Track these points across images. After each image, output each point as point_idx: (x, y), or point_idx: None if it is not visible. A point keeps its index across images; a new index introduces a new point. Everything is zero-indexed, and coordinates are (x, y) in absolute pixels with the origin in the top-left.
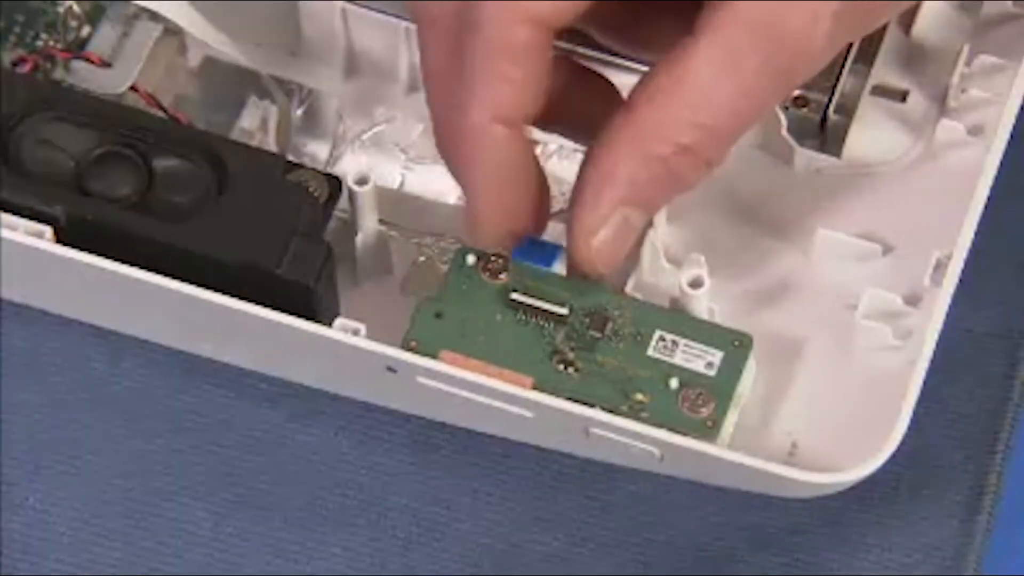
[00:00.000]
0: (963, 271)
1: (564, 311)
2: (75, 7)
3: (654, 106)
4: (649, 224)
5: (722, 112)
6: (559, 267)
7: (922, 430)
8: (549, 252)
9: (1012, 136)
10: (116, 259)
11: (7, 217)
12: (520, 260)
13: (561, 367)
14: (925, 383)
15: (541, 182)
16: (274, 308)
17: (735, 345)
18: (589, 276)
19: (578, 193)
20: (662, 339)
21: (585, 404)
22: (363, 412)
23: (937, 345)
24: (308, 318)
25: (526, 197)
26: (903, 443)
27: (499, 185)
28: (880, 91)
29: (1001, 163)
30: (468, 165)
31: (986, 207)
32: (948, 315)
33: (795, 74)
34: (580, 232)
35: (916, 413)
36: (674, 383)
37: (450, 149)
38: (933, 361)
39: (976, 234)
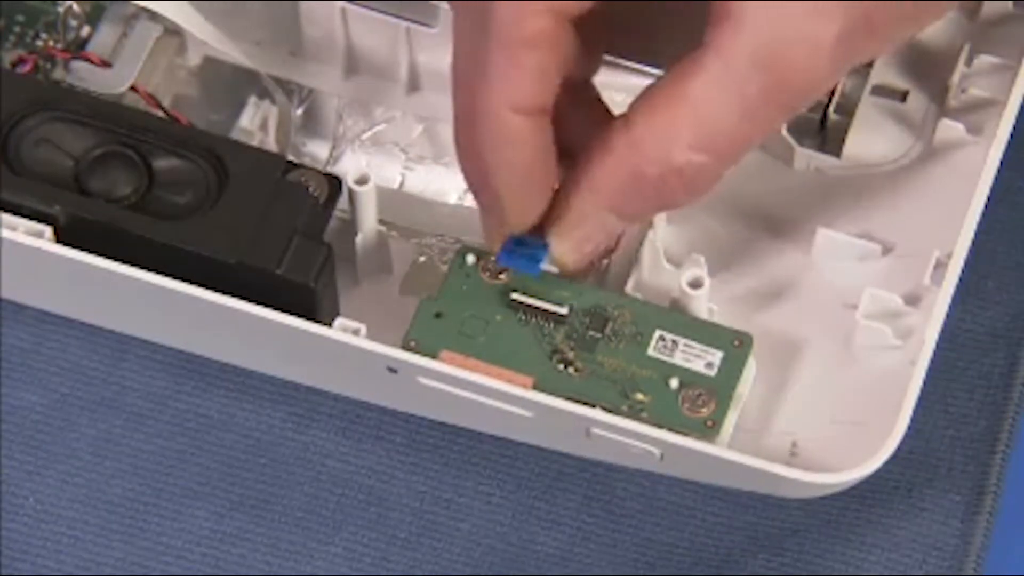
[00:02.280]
0: (963, 271)
1: (564, 311)
2: (75, 7)
3: (652, 124)
4: (649, 224)
5: (720, 136)
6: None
7: (922, 430)
8: (535, 250)
9: (1012, 136)
10: (116, 259)
11: (7, 217)
12: (508, 262)
13: (561, 367)
14: (925, 383)
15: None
16: (274, 308)
17: (735, 345)
18: (563, 274)
19: (563, 196)
20: (662, 339)
21: (585, 404)
22: (363, 412)
23: (937, 345)
24: (308, 318)
25: (543, 191)
26: (903, 443)
27: (513, 173)
28: (880, 91)
29: (1001, 163)
30: (481, 151)
31: (986, 207)
32: (948, 315)
33: (797, 100)
34: (558, 234)
35: (916, 413)
36: (674, 383)
37: (466, 137)
38: (933, 361)
39: (976, 234)
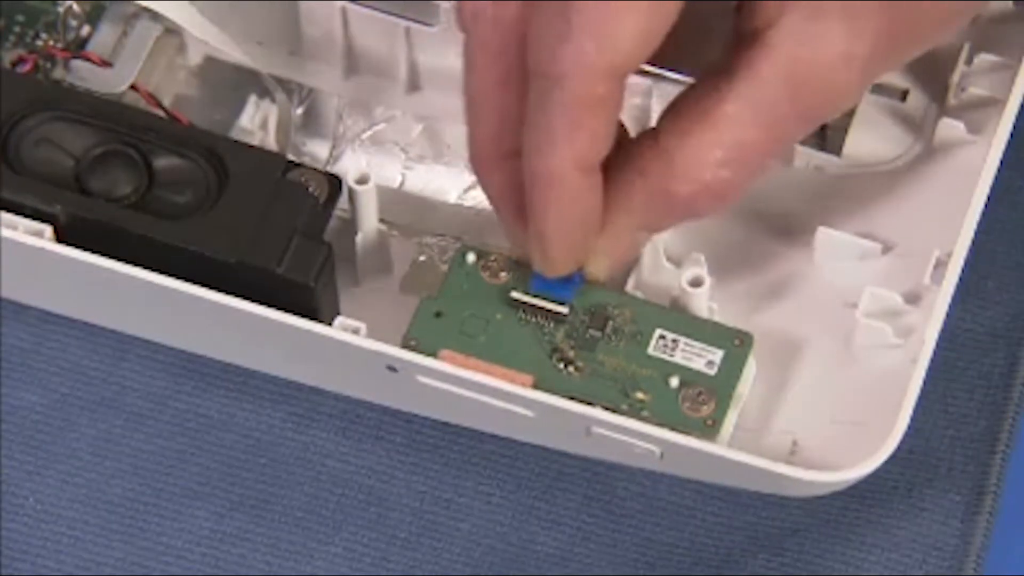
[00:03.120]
0: (963, 271)
1: (564, 310)
2: (75, 6)
3: (683, 146)
4: None
5: (749, 154)
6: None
7: (922, 430)
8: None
9: (1012, 135)
10: (116, 258)
11: (7, 216)
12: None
13: (561, 366)
14: (925, 383)
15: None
16: (274, 307)
17: (735, 344)
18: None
19: None
20: (662, 338)
21: (585, 403)
22: (363, 412)
23: (937, 345)
24: (308, 317)
25: (591, 234)
26: (903, 443)
27: (573, 226)
28: (880, 90)
29: (1001, 162)
30: (544, 207)
31: (986, 206)
32: (948, 315)
33: (824, 116)
34: (595, 254)
35: (916, 413)
36: (674, 382)
37: (531, 196)
38: (933, 361)
39: (976, 234)
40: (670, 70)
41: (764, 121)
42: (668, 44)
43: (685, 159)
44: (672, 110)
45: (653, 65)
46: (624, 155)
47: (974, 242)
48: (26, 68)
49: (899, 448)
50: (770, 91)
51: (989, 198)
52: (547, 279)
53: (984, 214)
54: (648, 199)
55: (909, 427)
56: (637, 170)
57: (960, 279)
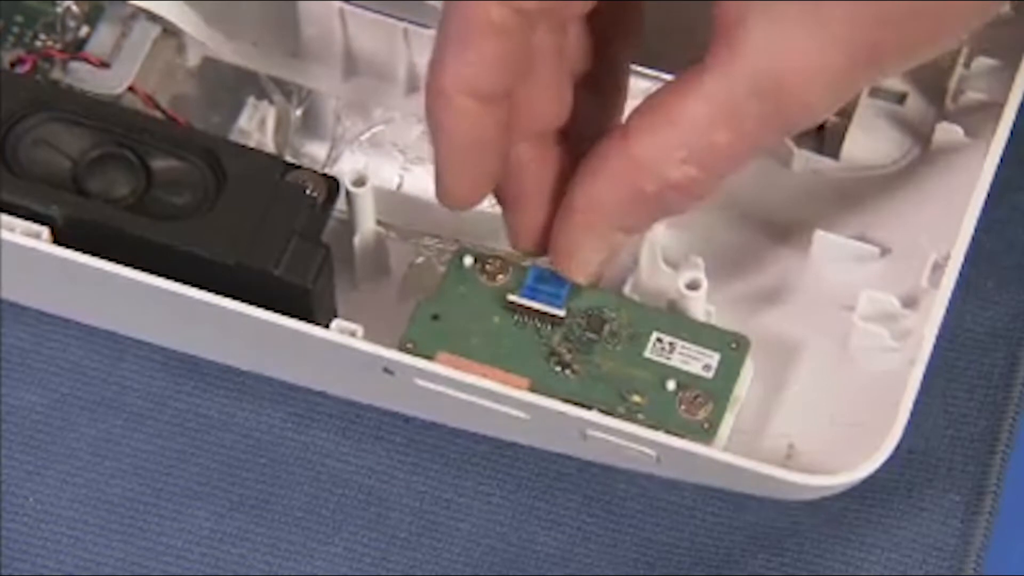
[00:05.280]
0: (963, 271)
1: (561, 313)
2: (74, 7)
3: (648, 141)
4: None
5: (716, 154)
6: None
7: (922, 430)
8: (557, 287)
9: (1012, 134)
10: (114, 260)
11: (4, 218)
12: (531, 298)
13: (558, 369)
14: (925, 383)
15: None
16: (272, 309)
17: (732, 347)
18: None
19: (564, 211)
20: (659, 341)
21: (582, 406)
22: (363, 412)
23: (937, 345)
24: (306, 319)
25: (486, 171)
26: (903, 443)
27: (458, 154)
28: (879, 93)
29: (1001, 161)
30: (432, 128)
31: (986, 206)
32: (948, 315)
33: (794, 124)
34: (561, 249)
35: (916, 413)
36: (671, 385)
37: (426, 109)
38: (933, 361)
39: (976, 234)
40: (665, 71)
41: (730, 123)
42: (656, 44)
43: (649, 154)
44: (640, 107)
45: (645, 66)
46: (594, 152)
47: (974, 242)
48: (25, 69)
49: (899, 448)
50: (736, 92)
51: (989, 198)
52: (536, 287)
53: (984, 214)
54: (612, 193)
55: (909, 427)
56: (601, 164)
57: (960, 279)
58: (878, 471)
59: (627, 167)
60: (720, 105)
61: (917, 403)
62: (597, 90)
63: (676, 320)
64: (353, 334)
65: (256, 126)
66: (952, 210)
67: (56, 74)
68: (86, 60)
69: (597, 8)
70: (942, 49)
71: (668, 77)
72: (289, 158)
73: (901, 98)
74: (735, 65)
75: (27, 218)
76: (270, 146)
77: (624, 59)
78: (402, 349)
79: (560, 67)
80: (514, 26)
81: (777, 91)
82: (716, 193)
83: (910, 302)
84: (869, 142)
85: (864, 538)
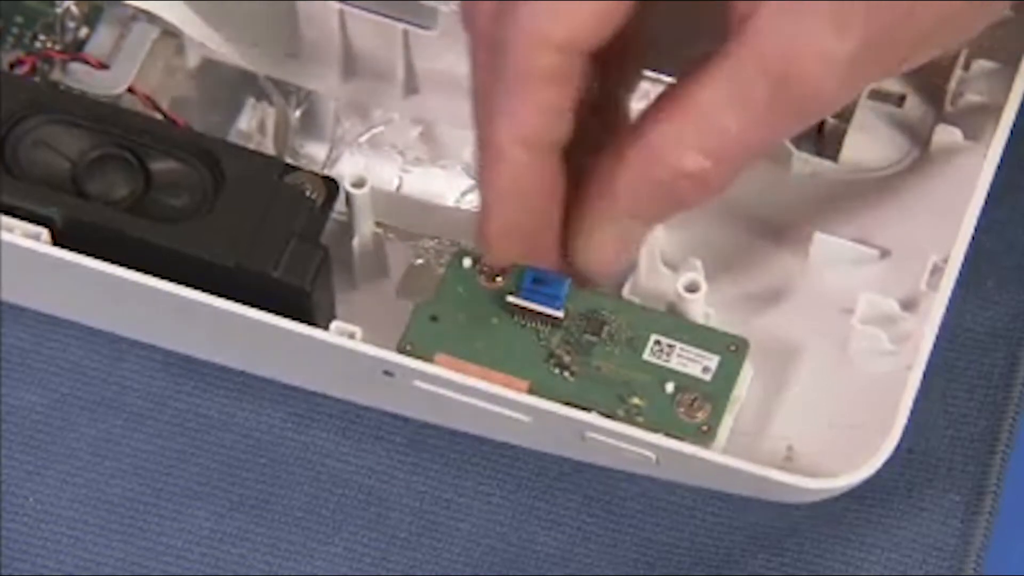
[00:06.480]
0: (963, 271)
1: (560, 314)
2: (73, 8)
3: (662, 130)
4: None
5: (729, 142)
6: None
7: (922, 430)
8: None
9: (1012, 134)
10: (112, 261)
11: (4, 219)
12: (529, 298)
13: (557, 371)
14: (925, 383)
15: (560, 213)
16: (270, 311)
17: (731, 349)
18: (588, 284)
19: (579, 204)
20: (658, 343)
21: (581, 408)
22: (363, 412)
23: (937, 345)
24: (304, 321)
25: (540, 225)
26: (903, 443)
27: (511, 208)
28: (878, 95)
29: (1001, 161)
30: (485, 181)
31: (986, 206)
32: (948, 315)
33: (807, 113)
34: (579, 241)
35: (916, 413)
36: (670, 387)
37: (479, 165)
38: (934, 361)
39: (976, 234)
40: (668, 74)
41: (742, 112)
42: (661, 46)
43: (662, 143)
44: (655, 101)
45: (650, 68)
46: (611, 143)
47: (974, 242)
48: (24, 70)
49: (899, 448)
50: (746, 79)
51: (989, 197)
52: (535, 288)
53: (984, 214)
54: (627, 183)
55: (909, 427)
56: (616, 154)
57: (960, 279)
58: (878, 471)
59: (642, 155)
60: (730, 93)
61: (917, 403)
62: (599, 113)
63: (675, 322)
64: (352, 336)
65: (255, 127)
66: (951, 213)
67: (55, 75)
68: (85, 61)
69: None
70: (957, 43)
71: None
72: (288, 159)
73: (900, 100)
74: (745, 52)
75: (26, 219)
76: (270, 147)
77: (626, 89)
78: (401, 351)
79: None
80: (565, 71)
81: (787, 79)
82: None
83: (909, 305)
84: (868, 144)
85: (864, 538)
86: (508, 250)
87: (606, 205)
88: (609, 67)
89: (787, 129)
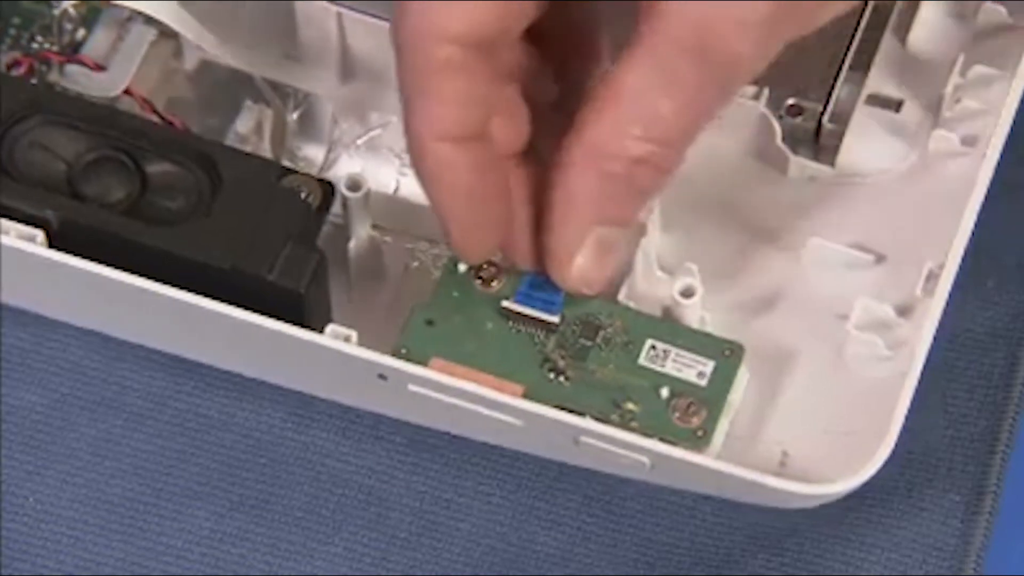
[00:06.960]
0: (963, 271)
1: (555, 319)
2: (70, 10)
3: (600, 124)
4: (642, 232)
5: (667, 124)
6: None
7: (922, 430)
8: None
9: (1010, 134)
10: (108, 264)
11: (0, 221)
12: (525, 304)
13: (552, 375)
14: (924, 384)
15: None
16: (266, 314)
17: (726, 354)
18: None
19: (545, 219)
20: (653, 348)
21: (575, 413)
22: (363, 412)
23: (937, 345)
24: (299, 324)
25: (490, 220)
26: (903, 443)
27: (452, 204)
28: (875, 100)
29: (1000, 160)
30: (422, 182)
31: (986, 206)
32: (948, 315)
33: (733, 81)
34: (555, 259)
35: (915, 414)
36: (665, 392)
37: (412, 164)
38: (933, 361)
39: (976, 233)
40: None
41: (669, 89)
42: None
43: (604, 136)
44: (588, 97)
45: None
46: (558, 150)
47: (974, 241)
48: (21, 71)
49: (899, 448)
50: (667, 56)
51: (989, 197)
52: (531, 293)
53: (985, 213)
54: (585, 187)
55: (909, 427)
56: (569, 162)
57: (960, 279)
58: (878, 472)
59: (588, 154)
60: (655, 75)
61: (916, 404)
62: (565, 111)
63: (670, 327)
64: (347, 339)
65: (253, 129)
66: (947, 218)
67: (53, 76)
68: (82, 63)
69: (549, 33)
70: None
71: None
72: (286, 161)
73: (898, 106)
74: (661, 31)
75: (22, 221)
76: (267, 149)
77: (587, 80)
78: (396, 355)
79: (512, 93)
80: (466, 61)
81: (705, 47)
82: (707, 199)
83: (904, 311)
84: (865, 150)
85: (864, 538)
86: (467, 248)
87: (571, 216)
88: (568, 60)
89: (718, 99)
